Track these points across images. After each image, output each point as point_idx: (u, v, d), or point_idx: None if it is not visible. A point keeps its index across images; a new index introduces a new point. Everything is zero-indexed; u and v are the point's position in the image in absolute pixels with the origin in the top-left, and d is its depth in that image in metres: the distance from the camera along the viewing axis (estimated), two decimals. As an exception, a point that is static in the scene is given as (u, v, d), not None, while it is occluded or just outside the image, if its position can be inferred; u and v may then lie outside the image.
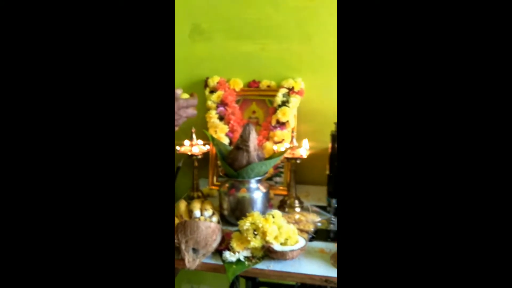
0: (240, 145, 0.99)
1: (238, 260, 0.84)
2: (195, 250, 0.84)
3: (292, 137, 1.12)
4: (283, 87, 1.26)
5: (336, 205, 0.99)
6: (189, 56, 1.34)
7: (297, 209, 1.10)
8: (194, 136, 1.18)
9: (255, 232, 0.84)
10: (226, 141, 1.25)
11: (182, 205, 1.02)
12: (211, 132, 1.26)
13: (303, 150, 1.09)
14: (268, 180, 1.23)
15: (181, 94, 0.84)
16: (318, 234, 0.95)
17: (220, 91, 1.29)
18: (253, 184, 1.00)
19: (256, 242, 0.83)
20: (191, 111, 0.84)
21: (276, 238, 0.83)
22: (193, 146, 1.17)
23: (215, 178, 1.31)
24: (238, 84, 1.31)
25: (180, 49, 1.27)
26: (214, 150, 1.27)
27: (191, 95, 0.86)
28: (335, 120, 1.03)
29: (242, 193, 0.99)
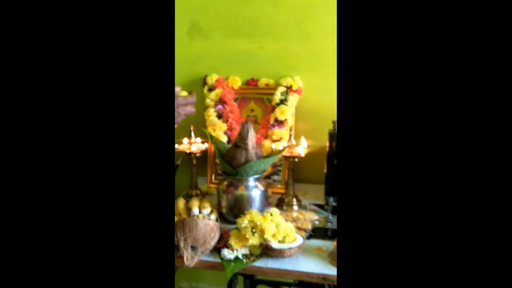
0: (239, 143, 0.99)
1: (236, 258, 0.84)
2: (193, 248, 0.84)
3: (290, 135, 1.12)
4: (281, 85, 1.26)
5: (333, 204, 1.00)
6: (188, 54, 1.34)
7: (295, 207, 1.10)
8: (192, 134, 1.18)
9: (253, 230, 0.85)
10: (224, 139, 1.25)
11: (180, 203, 1.03)
12: (210, 130, 1.27)
13: (301, 149, 1.09)
14: (266, 178, 1.23)
15: (179, 91, 0.84)
16: (316, 232, 0.96)
17: (219, 89, 1.29)
18: (251, 182, 1.00)
19: (254, 240, 0.84)
20: (190, 109, 0.84)
21: (274, 236, 0.84)
22: (191, 144, 1.17)
23: (213, 176, 1.31)
24: (236, 82, 1.31)
25: (179, 47, 1.26)
26: (213, 148, 1.27)
27: (190, 92, 0.86)
28: (333, 118, 1.03)
29: (241, 191, 0.99)
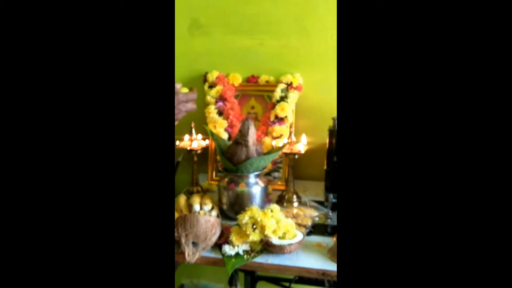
0: (239, 140, 0.99)
1: (237, 254, 0.85)
2: (194, 244, 0.84)
3: (291, 132, 1.12)
4: (281, 82, 1.26)
5: (333, 200, 1.00)
6: (188, 51, 1.34)
7: (295, 204, 1.10)
8: (193, 131, 1.18)
9: (254, 226, 0.85)
10: (225, 136, 1.26)
11: (181, 200, 1.03)
12: (210, 127, 1.27)
13: (301, 146, 1.09)
14: (267, 175, 1.23)
15: (180, 88, 0.84)
16: (316, 229, 0.96)
17: (219, 86, 1.30)
18: (252, 178, 1.01)
19: (254, 236, 0.84)
20: (191, 106, 0.85)
21: (274, 232, 0.84)
22: (192, 141, 1.17)
23: (214, 173, 1.32)
24: (237, 79, 1.31)
25: (179, 43, 1.27)
26: (213, 145, 1.28)
27: (191, 89, 0.86)
28: (333, 115, 1.04)
29: (241, 187, 1.00)
